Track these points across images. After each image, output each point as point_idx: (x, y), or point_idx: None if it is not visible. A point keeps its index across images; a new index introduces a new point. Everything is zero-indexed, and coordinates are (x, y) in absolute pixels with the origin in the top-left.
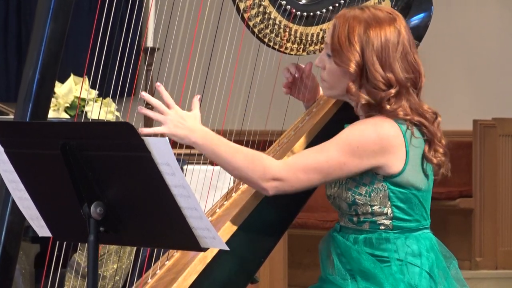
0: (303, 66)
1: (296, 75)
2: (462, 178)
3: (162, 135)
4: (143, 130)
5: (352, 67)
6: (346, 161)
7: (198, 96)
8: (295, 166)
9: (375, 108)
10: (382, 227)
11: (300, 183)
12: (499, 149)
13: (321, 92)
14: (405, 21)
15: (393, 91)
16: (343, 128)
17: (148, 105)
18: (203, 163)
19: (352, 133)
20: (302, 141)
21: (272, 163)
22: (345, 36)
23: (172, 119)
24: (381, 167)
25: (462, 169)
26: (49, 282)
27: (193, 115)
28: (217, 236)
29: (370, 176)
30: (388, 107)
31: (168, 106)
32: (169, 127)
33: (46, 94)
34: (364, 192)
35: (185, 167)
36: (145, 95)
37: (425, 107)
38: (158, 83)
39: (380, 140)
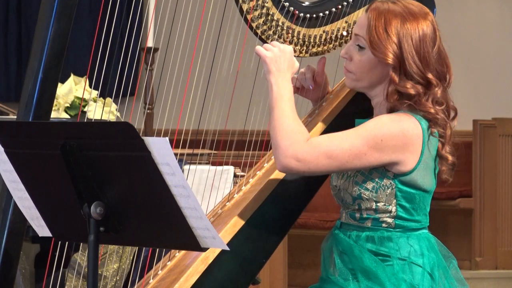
0: (315, 68)
1: (312, 81)
2: (462, 178)
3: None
4: (257, 47)
5: (390, 57)
6: (367, 152)
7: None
8: (319, 149)
9: (402, 102)
10: (384, 225)
11: (318, 167)
12: (499, 149)
13: (330, 88)
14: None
15: (439, 91)
16: (353, 122)
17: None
18: (204, 163)
19: (378, 125)
20: (312, 134)
21: (299, 141)
22: (383, 28)
23: (276, 51)
24: (397, 163)
25: (462, 169)
26: (51, 282)
27: (293, 64)
28: (217, 236)
29: (379, 172)
30: (424, 102)
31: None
32: (270, 55)
33: (49, 94)
34: (371, 187)
35: (185, 167)
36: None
37: (450, 103)
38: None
39: (403, 137)
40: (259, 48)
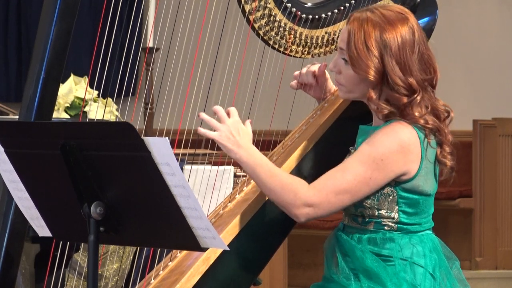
0: (316, 70)
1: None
2: (462, 178)
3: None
4: (200, 130)
5: (372, 74)
6: (371, 175)
7: (249, 120)
8: (325, 189)
9: (394, 112)
10: (386, 228)
11: (331, 206)
12: (499, 149)
13: (333, 88)
14: (415, 18)
15: (418, 97)
16: (355, 124)
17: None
18: (206, 163)
19: (374, 146)
20: (313, 135)
21: (302, 189)
22: (362, 43)
23: (226, 129)
24: (403, 174)
25: (462, 169)
26: (52, 282)
27: (247, 133)
28: (217, 236)
29: None
30: (410, 112)
31: (228, 115)
32: (221, 135)
33: (51, 94)
34: (372, 196)
35: (185, 167)
36: (202, 114)
37: (439, 104)
38: (201, 113)
39: (401, 148)
40: (206, 132)
